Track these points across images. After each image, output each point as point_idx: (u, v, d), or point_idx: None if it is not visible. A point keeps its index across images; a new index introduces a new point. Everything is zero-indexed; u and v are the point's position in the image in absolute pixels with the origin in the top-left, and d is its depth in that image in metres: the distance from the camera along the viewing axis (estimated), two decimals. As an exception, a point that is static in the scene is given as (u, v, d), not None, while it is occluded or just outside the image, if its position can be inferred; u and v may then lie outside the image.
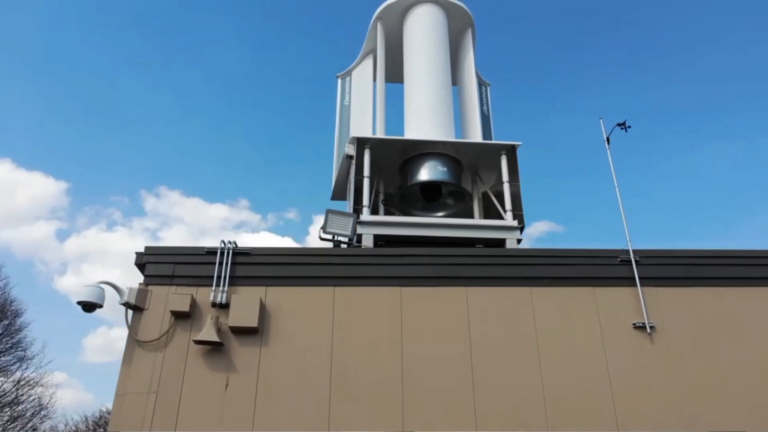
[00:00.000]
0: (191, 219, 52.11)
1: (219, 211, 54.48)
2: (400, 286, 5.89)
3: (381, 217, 7.04)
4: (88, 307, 5.35)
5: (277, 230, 55.25)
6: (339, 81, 10.19)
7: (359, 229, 6.65)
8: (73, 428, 27.32)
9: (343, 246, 6.43)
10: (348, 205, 7.97)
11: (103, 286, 5.49)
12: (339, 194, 8.93)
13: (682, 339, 5.78)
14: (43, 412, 21.89)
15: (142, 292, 5.65)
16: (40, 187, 47.65)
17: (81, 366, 41.00)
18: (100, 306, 5.42)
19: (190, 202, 53.31)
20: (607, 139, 6.94)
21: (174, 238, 49.31)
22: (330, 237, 6.37)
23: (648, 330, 5.78)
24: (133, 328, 5.54)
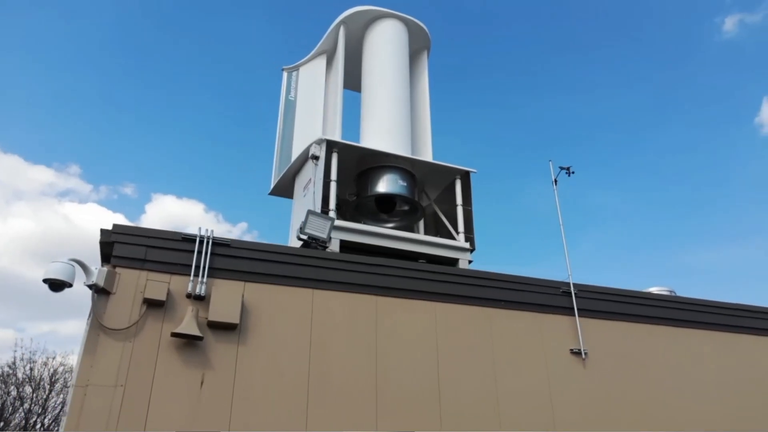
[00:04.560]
0: (4, 179, 44.42)
1: (42, 174, 47.05)
2: (376, 295, 6.05)
3: (349, 224, 7.09)
4: (57, 285, 4.77)
5: (109, 204, 48.74)
6: (285, 74, 9.99)
7: (326, 233, 6.64)
8: None
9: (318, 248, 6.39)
10: (304, 204, 7.87)
11: (73, 263, 4.92)
12: (281, 190, 8.75)
13: (608, 364, 6.67)
14: None
15: (110, 275, 5.16)
16: None
17: None
18: (70, 285, 4.85)
19: (6, 160, 45.20)
20: (555, 181, 7.72)
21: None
22: (306, 238, 6.30)
23: (583, 355, 6.57)
24: (98, 313, 5.04)
